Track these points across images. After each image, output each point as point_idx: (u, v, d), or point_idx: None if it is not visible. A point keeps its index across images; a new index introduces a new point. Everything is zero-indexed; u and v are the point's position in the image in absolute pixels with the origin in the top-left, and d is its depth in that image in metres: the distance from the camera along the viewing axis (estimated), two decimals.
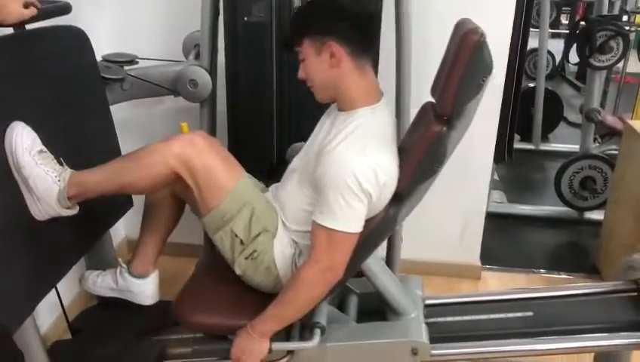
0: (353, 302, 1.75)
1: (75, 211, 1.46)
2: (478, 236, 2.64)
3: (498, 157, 2.57)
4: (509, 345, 1.63)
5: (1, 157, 1.36)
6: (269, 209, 1.57)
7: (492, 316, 1.74)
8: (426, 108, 1.57)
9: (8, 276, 1.34)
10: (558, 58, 6.12)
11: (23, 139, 1.36)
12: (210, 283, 1.67)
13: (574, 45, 3.31)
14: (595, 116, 3.30)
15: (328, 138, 1.44)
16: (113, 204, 1.84)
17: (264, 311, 1.48)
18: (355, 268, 1.54)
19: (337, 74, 1.43)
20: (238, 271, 1.56)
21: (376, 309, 1.70)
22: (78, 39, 1.73)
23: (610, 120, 3.43)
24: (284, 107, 2.03)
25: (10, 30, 1.46)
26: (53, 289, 1.58)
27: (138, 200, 2.03)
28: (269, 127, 2.07)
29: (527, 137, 4.28)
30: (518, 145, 3.73)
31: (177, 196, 1.68)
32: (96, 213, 1.66)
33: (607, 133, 3.54)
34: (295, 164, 1.63)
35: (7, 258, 1.33)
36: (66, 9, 1.64)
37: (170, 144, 1.45)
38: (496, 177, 3.59)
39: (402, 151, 1.51)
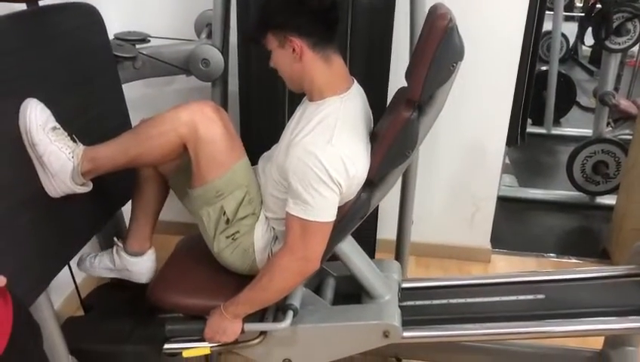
0: (330, 285, 1.76)
1: (88, 188, 1.47)
2: (489, 219, 2.63)
3: (511, 140, 2.55)
4: (505, 327, 1.63)
5: (15, 134, 1.36)
6: (259, 195, 1.57)
7: (488, 299, 1.74)
8: (400, 93, 1.57)
9: (23, 252, 1.35)
10: (571, 41, 6.04)
11: (37, 116, 1.36)
12: (188, 265, 1.70)
13: (589, 28, 3.27)
14: (609, 100, 3.27)
15: (297, 129, 1.44)
16: (126, 183, 1.84)
17: (238, 294, 1.50)
18: (328, 251, 1.55)
19: (301, 67, 1.43)
20: (215, 249, 1.57)
21: (353, 293, 1.70)
22: (90, 16, 1.72)
23: (625, 104, 3.39)
24: (296, 102, 2.01)
25: (23, 6, 1.46)
26: (66, 267, 1.59)
27: None
28: (281, 105, 2.06)
29: (539, 121, 4.25)
30: (529, 129, 3.70)
31: (162, 173, 1.68)
32: (109, 192, 1.67)
33: (621, 118, 3.50)
34: (266, 155, 1.64)
35: (22, 234, 1.34)
36: None
37: (178, 112, 1.44)
38: (507, 161, 3.57)
39: (376, 136, 1.52)
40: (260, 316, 1.61)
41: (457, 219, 2.64)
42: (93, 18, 1.73)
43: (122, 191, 1.83)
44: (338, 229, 1.49)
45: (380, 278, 1.69)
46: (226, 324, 1.51)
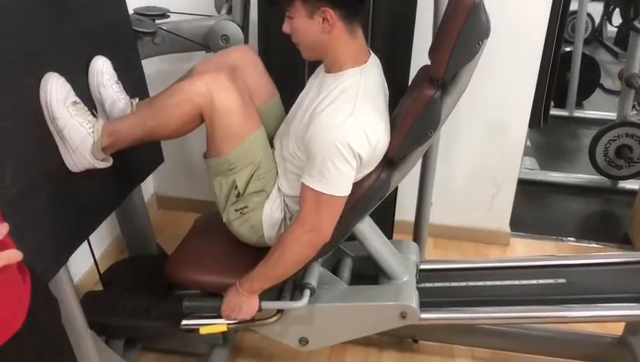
0: (347, 265, 1.76)
1: (108, 163, 1.47)
2: (509, 202, 2.60)
3: (533, 122, 2.51)
4: (524, 311, 1.64)
5: (36, 108, 1.36)
6: (272, 171, 1.56)
7: (507, 282, 1.74)
8: (422, 72, 1.55)
9: (43, 226, 1.36)
10: (597, 22, 5.91)
11: (58, 90, 1.36)
12: (206, 242, 1.70)
13: (616, 8, 3.19)
14: (635, 82, 3.18)
15: (317, 100, 1.43)
16: (145, 159, 1.85)
17: (252, 270, 1.50)
18: (345, 231, 1.56)
19: (328, 38, 1.41)
20: (224, 218, 1.58)
21: (370, 273, 1.71)
22: None
23: None
24: (317, 61, 1.99)
25: None
26: (85, 242, 1.60)
27: (169, 157, 2.04)
28: (300, 80, 2.04)
29: (561, 103, 4.17)
30: (551, 111, 3.64)
31: None
32: (128, 168, 1.67)
33: None
34: (280, 130, 1.63)
35: (42, 208, 1.35)
36: None
37: (194, 81, 1.43)
38: (528, 143, 3.51)
39: (397, 115, 1.50)
40: (276, 294, 1.62)
41: (477, 202, 2.61)
42: None
43: (140, 167, 1.83)
44: (357, 210, 1.49)
45: (398, 259, 1.68)
46: (243, 301, 1.51)
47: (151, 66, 2.07)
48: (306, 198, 1.41)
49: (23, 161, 1.29)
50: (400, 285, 1.64)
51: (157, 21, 1.99)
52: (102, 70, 1.55)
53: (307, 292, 1.53)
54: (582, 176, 3.35)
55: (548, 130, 3.42)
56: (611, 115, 3.55)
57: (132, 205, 1.97)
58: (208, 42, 2.00)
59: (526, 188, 2.93)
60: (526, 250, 2.65)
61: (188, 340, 1.92)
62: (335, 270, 1.74)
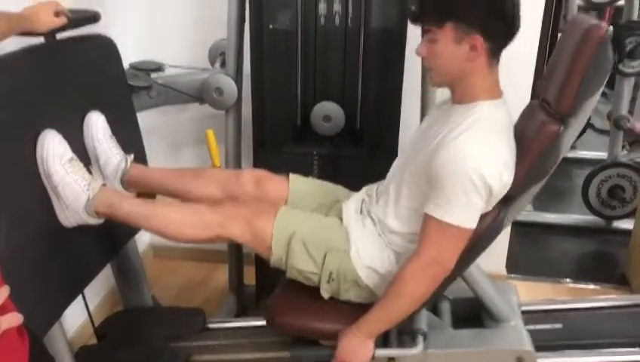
0: (446, 308, 1.72)
1: (101, 220, 1.48)
2: (504, 244, 2.60)
3: None
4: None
5: (32, 165, 1.37)
6: (322, 226, 1.52)
7: None
8: (533, 107, 1.52)
9: (37, 282, 1.36)
10: None
11: (55, 147, 1.38)
12: (302, 288, 1.57)
13: None
14: (623, 123, 3.24)
15: (447, 128, 1.36)
16: None
17: (369, 311, 1.42)
18: (460, 273, 1.50)
19: (470, 67, 1.35)
20: (326, 295, 1.49)
21: (471, 315, 1.67)
22: (106, 48, 1.75)
23: None
24: (309, 111, 2.03)
25: (41, 39, 1.48)
26: (80, 294, 1.59)
27: None
28: (293, 131, 2.08)
29: None
30: None
31: None
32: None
33: (636, 141, 3.46)
34: (399, 163, 1.55)
35: (36, 264, 1.35)
36: (95, 18, 1.66)
37: (214, 215, 1.46)
38: None
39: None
40: (382, 342, 1.54)
41: None
42: (109, 49, 1.76)
43: None
44: (474, 249, 1.43)
45: (504, 301, 1.65)
46: (359, 345, 1.43)
47: (146, 118, 2.10)
48: (429, 229, 1.33)
49: (17, 219, 1.30)
50: (511, 328, 1.60)
51: (152, 75, 2.04)
52: (96, 125, 1.57)
53: (420, 338, 1.49)
54: (576, 216, 3.35)
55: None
56: (603, 155, 3.58)
57: (127, 257, 1.97)
58: (202, 95, 2.04)
59: (521, 229, 2.93)
60: (524, 292, 2.59)
61: None
62: (434, 313, 1.69)
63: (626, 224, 3.11)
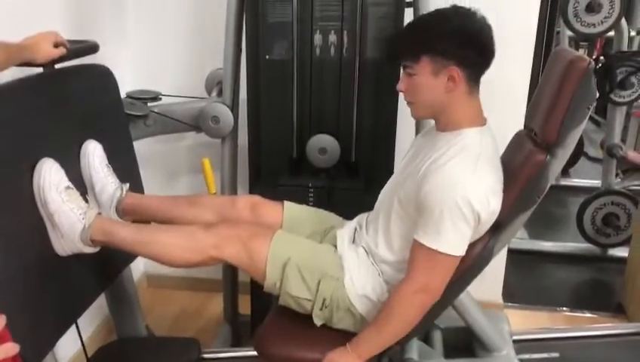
0: (438, 337, 1.71)
1: (96, 249, 1.47)
2: (500, 273, 2.59)
3: None
4: None
5: (28, 193, 1.38)
6: (317, 253, 1.52)
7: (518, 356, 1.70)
8: (520, 136, 1.54)
9: (31, 311, 1.34)
10: None
11: (52, 176, 1.38)
12: (293, 316, 1.57)
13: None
14: (616, 152, 3.27)
15: (434, 156, 1.38)
16: None
17: (358, 334, 1.43)
18: (450, 301, 1.51)
19: (449, 97, 1.37)
20: (318, 323, 1.49)
21: (462, 344, 1.67)
22: (103, 77, 1.77)
23: (632, 155, 3.40)
24: (304, 144, 2.04)
25: (40, 69, 1.50)
26: (73, 324, 1.58)
27: None
28: (288, 160, 2.09)
29: None
30: None
31: None
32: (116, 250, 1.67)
33: (629, 169, 3.50)
34: (387, 191, 1.56)
35: (30, 293, 1.34)
36: (93, 49, 1.68)
37: (208, 236, 1.45)
38: None
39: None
40: None
41: None
42: (106, 79, 1.77)
43: None
44: (463, 279, 1.44)
45: (496, 330, 1.64)
46: (348, 360, 1.41)
47: (143, 146, 2.11)
48: (418, 256, 1.34)
49: (12, 247, 1.29)
50: (502, 357, 1.60)
51: (149, 104, 2.05)
52: (93, 154, 1.58)
53: None
54: (572, 244, 3.36)
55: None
56: (597, 183, 3.61)
57: (121, 286, 1.96)
58: (199, 123, 2.05)
59: (516, 257, 2.93)
60: (520, 321, 2.61)
61: None
62: (426, 342, 1.69)
63: (622, 252, 3.12)
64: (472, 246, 1.39)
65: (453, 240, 1.31)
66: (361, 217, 1.63)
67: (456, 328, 1.64)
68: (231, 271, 2.29)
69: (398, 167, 1.59)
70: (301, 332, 1.52)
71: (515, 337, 1.79)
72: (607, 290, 3.00)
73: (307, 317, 1.50)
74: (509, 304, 2.68)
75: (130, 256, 1.83)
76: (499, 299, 2.64)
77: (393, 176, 1.58)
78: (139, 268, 2.74)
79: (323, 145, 2.01)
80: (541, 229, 3.62)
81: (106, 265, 1.66)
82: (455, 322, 1.63)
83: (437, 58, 1.34)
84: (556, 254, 3.31)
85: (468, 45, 1.35)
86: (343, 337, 1.47)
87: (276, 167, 2.12)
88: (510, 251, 2.62)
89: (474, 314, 1.61)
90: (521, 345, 1.74)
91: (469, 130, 1.39)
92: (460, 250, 1.33)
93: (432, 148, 1.41)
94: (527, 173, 1.40)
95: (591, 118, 5.98)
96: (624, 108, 3.37)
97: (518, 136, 1.58)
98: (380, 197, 1.58)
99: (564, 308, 2.74)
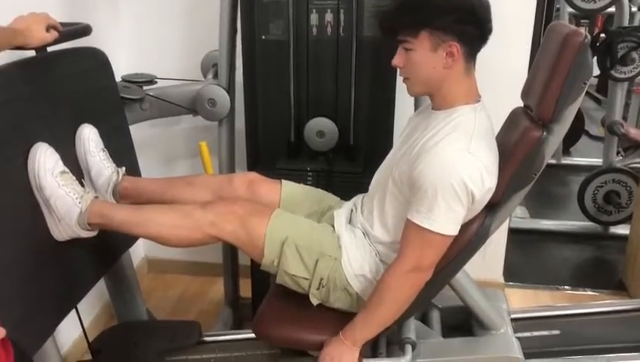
0: (436, 317, 1.71)
1: (94, 233, 1.47)
2: (501, 252, 2.59)
3: None
4: None
5: (23, 178, 1.37)
6: (315, 232, 1.51)
7: (518, 334, 1.70)
8: (516, 113, 1.53)
9: (29, 296, 1.34)
10: None
11: (46, 160, 1.37)
12: (291, 297, 1.57)
13: (594, 58, 3.28)
14: (617, 129, 3.25)
15: (427, 135, 1.36)
16: None
17: (354, 318, 1.42)
18: (447, 280, 1.51)
19: (446, 73, 1.35)
20: (315, 301, 1.49)
21: (460, 324, 1.67)
22: (98, 60, 1.75)
23: (634, 132, 3.37)
24: (302, 127, 2.03)
25: (32, 52, 1.48)
26: (73, 310, 1.58)
27: None
28: (286, 142, 2.07)
29: None
30: None
31: None
32: (115, 234, 1.67)
33: (631, 146, 3.48)
34: (382, 171, 1.55)
35: (28, 278, 1.34)
36: (86, 31, 1.66)
37: (206, 214, 1.44)
38: None
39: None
40: (370, 352, 1.54)
41: None
42: (100, 62, 1.75)
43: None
44: (460, 258, 1.44)
45: (494, 309, 1.64)
46: (345, 351, 1.41)
47: (139, 130, 2.10)
48: (410, 235, 1.34)
49: (8, 232, 1.29)
50: (500, 336, 1.60)
51: (144, 87, 2.03)
52: (88, 138, 1.57)
53: (409, 347, 1.47)
54: (573, 223, 3.36)
55: (537, 178, 3.44)
56: (598, 161, 3.59)
57: (121, 271, 1.95)
58: (195, 106, 2.04)
59: (517, 237, 2.93)
60: (521, 300, 2.62)
61: None
62: (424, 322, 1.69)
63: (623, 230, 3.11)
64: (468, 224, 1.39)
65: (445, 220, 1.31)
66: (357, 198, 1.62)
67: (454, 307, 1.64)
68: (231, 254, 2.29)
69: (394, 147, 1.58)
70: (297, 313, 1.53)
71: (515, 315, 1.79)
72: (608, 268, 2.99)
73: (304, 298, 1.50)
74: (511, 283, 2.69)
75: (129, 240, 1.83)
76: (500, 279, 2.64)
77: (388, 157, 1.57)
78: (139, 253, 2.74)
79: (321, 129, 2.00)
80: (542, 208, 3.61)
81: (105, 250, 1.66)
82: (453, 301, 1.63)
83: (436, 33, 1.32)
84: (558, 233, 3.31)
85: (468, 20, 1.32)
86: (338, 319, 1.47)
87: (274, 150, 2.10)
88: (511, 230, 2.61)
89: (472, 293, 1.60)
90: (522, 323, 1.74)
91: (463, 108, 1.38)
92: (453, 230, 1.33)
93: (426, 127, 1.40)
94: (523, 150, 1.39)
95: (592, 96, 5.95)
96: (625, 85, 3.34)
97: (514, 114, 1.56)
98: (375, 177, 1.57)
99: (566, 287, 2.74)
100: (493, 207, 1.43)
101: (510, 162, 1.39)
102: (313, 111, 2.03)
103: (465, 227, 1.37)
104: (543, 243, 3.23)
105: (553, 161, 4.24)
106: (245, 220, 1.45)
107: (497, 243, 2.57)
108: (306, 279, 1.46)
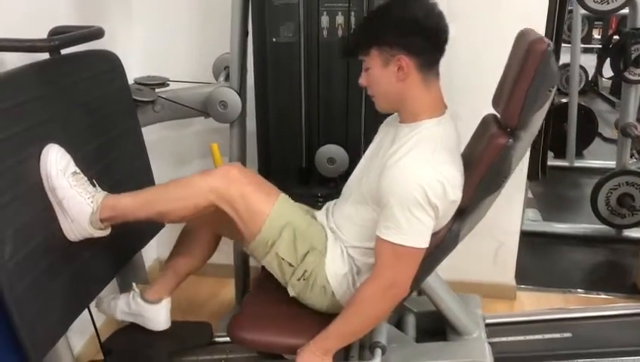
0: (411, 321, 1.72)
1: (106, 233, 1.48)
2: (513, 255, 2.57)
3: (532, 175, 2.52)
4: None
5: (36, 179, 1.38)
6: (312, 226, 1.55)
7: (511, 338, 1.71)
8: (486, 121, 1.54)
9: (42, 296, 1.36)
10: (590, 73, 6.01)
11: (58, 161, 1.39)
12: (267, 302, 1.61)
13: (608, 59, 3.25)
14: (631, 131, 3.21)
15: (391, 150, 1.40)
16: (145, 225, 1.85)
17: (327, 328, 1.43)
18: (417, 285, 1.51)
19: (403, 87, 1.39)
20: (292, 293, 1.53)
21: (435, 328, 1.67)
22: (110, 63, 1.77)
23: None
24: (313, 128, 2.03)
25: (46, 55, 1.50)
26: (86, 310, 1.59)
27: None
28: (299, 145, 2.08)
29: (561, 154, 4.20)
30: (552, 162, 3.65)
31: (215, 233, 1.70)
32: (128, 234, 1.68)
33: None
34: (354, 178, 1.60)
35: (41, 279, 1.35)
36: (99, 34, 1.67)
37: (206, 178, 1.46)
38: (530, 195, 3.51)
39: (466, 164, 1.47)
40: (343, 355, 1.55)
41: (480, 255, 2.58)
42: (113, 64, 1.77)
43: (141, 233, 1.84)
44: (428, 263, 1.44)
45: (467, 314, 1.65)
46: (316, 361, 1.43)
47: (151, 132, 2.11)
48: (383, 252, 1.36)
49: (22, 233, 1.30)
50: (472, 340, 1.61)
51: (157, 90, 2.05)
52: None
53: (378, 351, 1.48)
54: (586, 226, 3.32)
55: (549, 181, 3.42)
56: (612, 164, 3.56)
57: (133, 271, 1.97)
58: (207, 108, 2.05)
59: (530, 240, 2.91)
60: (534, 303, 2.60)
61: None
62: (398, 326, 1.70)
63: (636, 233, 3.09)
64: (435, 232, 1.41)
65: (415, 233, 1.33)
66: (329, 204, 1.67)
67: (429, 312, 1.65)
68: (242, 256, 2.30)
69: (365, 155, 1.61)
70: (273, 317, 1.56)
71: (526, 318, 1.78)
72: (621, 271, 2.96)
73: (279, 302, 1.54)
74: (523, 286, 2.67)
75: (142, 241, 1.84)
76: (512, 282, 2.62)
77: (359, 165, 1.61)
78: (152, 254, 2.75)
79: (331, 155, 2.03)
80: (555, 211, 3.59)
81: (117, 250, 1.67)
82: (429, 306, 1.63)
83: (384, 48, 1.37)
84: (570, 236, 3.28)
85: (411, 33, 1.36)
86: (312, 324, 1.48)
87: (285, 178, 2.07)
88: (523, 233, 2.60)
89: (443, 296, 1.61)
90: (533, 326, 1.73)
91: (427, 122, 1.41)
92: (424, 242, 1.35)
93: (392, 140, 1.45)
94: (490, 156, 1.40)
95: (605, 99, 5.91)
96: (639, 87, 3.31)
97: (484, 120, 1.57)
98: (347, 184, 1.62)
99: (579, 290, 2.71)
100: (461, 213, 1.45)
101: (478, 168, 1.42)
102: (324, 138, 2.06)
103: (432, 234, 1.39)
104: (556, 247, 3.21)
105: (566, 164, 4.21)
106: (247, 193, 1.47)
107: (509, 246, 2.56)
108: (291, 266, 1.50)
